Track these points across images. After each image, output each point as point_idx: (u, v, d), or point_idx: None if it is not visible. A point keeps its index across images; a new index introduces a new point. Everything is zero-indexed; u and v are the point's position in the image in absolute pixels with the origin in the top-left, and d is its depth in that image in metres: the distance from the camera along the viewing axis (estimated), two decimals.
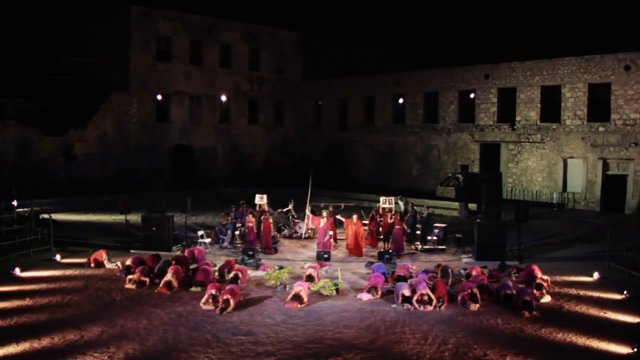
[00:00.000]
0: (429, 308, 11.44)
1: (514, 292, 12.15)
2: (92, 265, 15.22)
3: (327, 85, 37.75)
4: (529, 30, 36.41)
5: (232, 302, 11.40)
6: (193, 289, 12.85)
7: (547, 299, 12.35)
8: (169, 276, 12.90)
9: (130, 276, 13.40)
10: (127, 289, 12.99)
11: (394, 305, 11.64)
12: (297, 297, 11.71)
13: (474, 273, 13.56)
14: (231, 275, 13.41)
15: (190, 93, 34.19)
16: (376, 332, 10.44)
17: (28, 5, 32.23)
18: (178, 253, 16.61)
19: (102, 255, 15.50)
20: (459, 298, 11.93)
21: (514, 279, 14.02)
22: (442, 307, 11.55)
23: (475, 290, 11.92)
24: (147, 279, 13.26)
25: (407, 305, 11.55)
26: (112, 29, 33.08)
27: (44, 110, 31.70)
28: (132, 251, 17.01)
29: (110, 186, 28.59)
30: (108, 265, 15.21)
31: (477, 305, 11.65)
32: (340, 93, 37.17)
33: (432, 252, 17.73)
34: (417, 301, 11.53)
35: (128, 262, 14.39)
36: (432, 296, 11.57)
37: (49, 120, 29.80)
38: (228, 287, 12.08)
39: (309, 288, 12.62)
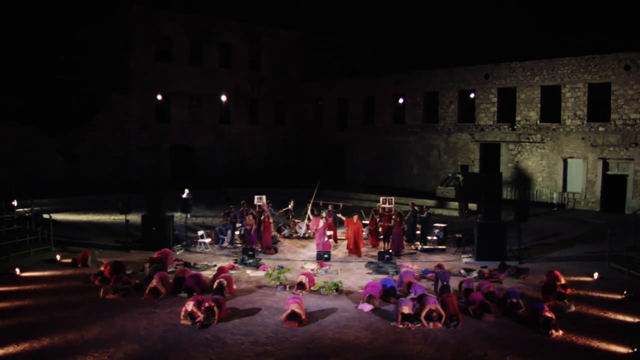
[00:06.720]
0: (439, 325, 10.61)
1: (520, 301, 11.66)
2: (80, 265, 15.17)
3: (327, 85, 37.75)
4: (529, 30, 36.38)
5: (216, 311, 10.76)
6: (181, 294, 12.42)
7: (572, 308, 11.77)
8: (154, 282, 12.47)
9: (120, 285, 12.83)
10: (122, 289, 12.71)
11: (393, 323, 10.82)
12: (294, 316, 10.71)
13: (464, 286, 12.76)
14: (215, 284, 12.54)
15: (190, 93, 34.19)
16: (376, 332, 10.44)
17: (28, 5, 32.19)
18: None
19: (88, 254, 15.48)
20: (471, 309, 11.29)
21: (537, 282, 13.69)
22: (458, 327, 10.60)
23: (486, 301, 11.46)
24: (127, 287, 12.74)
25: (407, 324, 10.64)
26: (112, 28, 33.08)
27: (44, 110, 31.69)
28: (132, 251, 17.07)
29: (110, 186, 28.59)
30: (91, 265, 15.12)
31: (492, 316, 11.16)
32: (340, 93, 37.17)
33: (432, 252, 17.73)
34: (425, 317, 10.74)
35: (101, 268, 13.97)
36: (442, 312, 10.80)
37: (49, 120, 29.80)
38: (212, 296, 11.37)
39: (303, 294, 12.44)
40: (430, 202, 26.44)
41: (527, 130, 28.27)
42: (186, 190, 23.37)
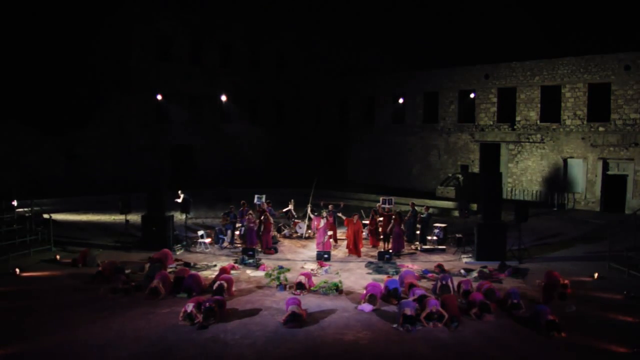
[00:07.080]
0: (440, 325, 10.58)
1: (521, 302, 11.60)
2: (80, 265, 15.18)
3: (327, 85, 37.75)
4: (529, 30, 36.35)
5: (217, 311, 10.74)
6: (180, 295, 12.40)
7: (573, 308, 11.68)
8: (155, 282, 12.45)
9: (119, 285, 12.89)
10: (121, 289, 12.69)
11: (394, 325, 10.71)
12: (294, 317, 10.67)
13: (463, 287, 12.70)
14: (215, 285, 12.45)
15: (190, 93, 34.18)
16: (376, 332, 10.43)
17: (27, 5, 32.21)
18: (178, 253, 16.77)
19: (87, 254, 15.49)
20: (472, 313, 11.23)
21: (536, 282, 13.65)
22: (459, 327, 10.58)
23: (486, 301, 11.42)
24: (126, 287, 12.74)
25: (407, 327, 10.51)
26: (112, 28, 33.06)
27: (44, 110, 31.68)
28: (132, 251, 17.07)
29: (110, 186, 28.58)
30: (89, 264, 15.11)
31: (492, 316, 11.14)
32: (340, 93, 37.17)
33: (432, 252, 17.73)
34: (426, 318, 10.66)
35: (100, 268, 13.98)
36: (444, 312, 10.75)
37: (49, 120, 29.78)
38: (213, 297, 11.39)
39: (304, 294, 12.46)
40: (449, 204, 26.42)
41: (527, 130, 28.26)
42: (179, 192, 23.26)
